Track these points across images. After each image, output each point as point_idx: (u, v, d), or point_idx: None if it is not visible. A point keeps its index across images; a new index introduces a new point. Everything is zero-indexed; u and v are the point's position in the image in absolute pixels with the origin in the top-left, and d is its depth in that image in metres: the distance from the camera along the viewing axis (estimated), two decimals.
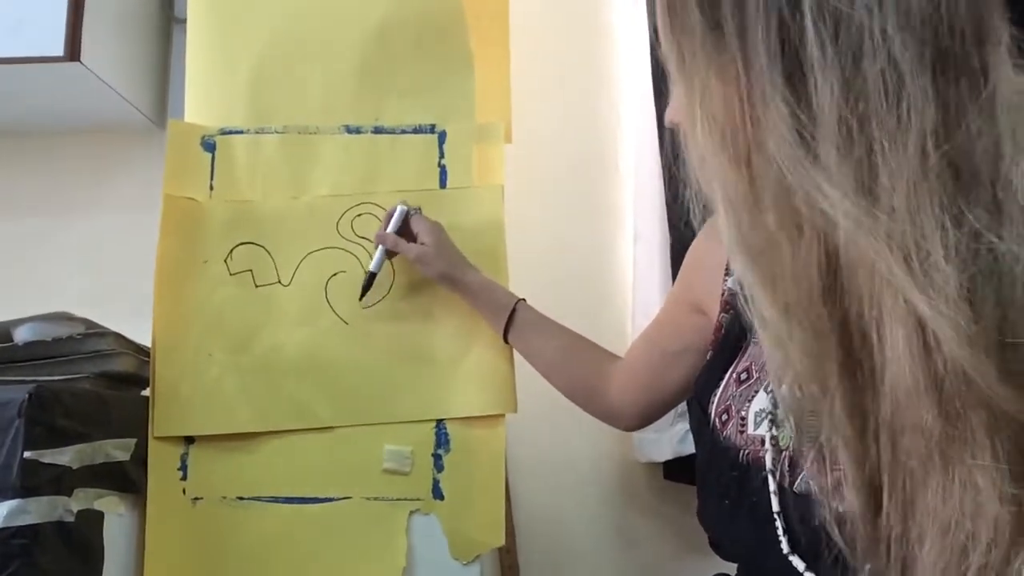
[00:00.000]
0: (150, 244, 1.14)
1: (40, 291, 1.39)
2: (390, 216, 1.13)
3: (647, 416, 1.03)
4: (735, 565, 0.79)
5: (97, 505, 0.96)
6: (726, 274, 0.82)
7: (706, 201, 0.56)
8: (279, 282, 1.17)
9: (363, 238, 1.17)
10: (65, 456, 0.91)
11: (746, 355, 0.77)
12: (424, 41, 1.24)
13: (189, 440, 1.11)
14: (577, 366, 1.06)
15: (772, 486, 0.67)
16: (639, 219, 1.50)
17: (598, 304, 1.56)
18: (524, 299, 1.11)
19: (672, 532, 1.51)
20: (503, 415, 1.14)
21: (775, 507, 0.66)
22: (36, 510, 0.87)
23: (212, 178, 1.20)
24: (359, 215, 1.19)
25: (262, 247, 1.18)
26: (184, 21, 1.28)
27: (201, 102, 1.24)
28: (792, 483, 0.66)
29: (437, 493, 1.11)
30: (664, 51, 0.57)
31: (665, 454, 1.41)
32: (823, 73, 0.48)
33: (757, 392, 0.72)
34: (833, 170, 0.48)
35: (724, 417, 0.74)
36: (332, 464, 1.11)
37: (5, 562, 0.84)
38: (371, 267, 1.14)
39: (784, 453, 0.67)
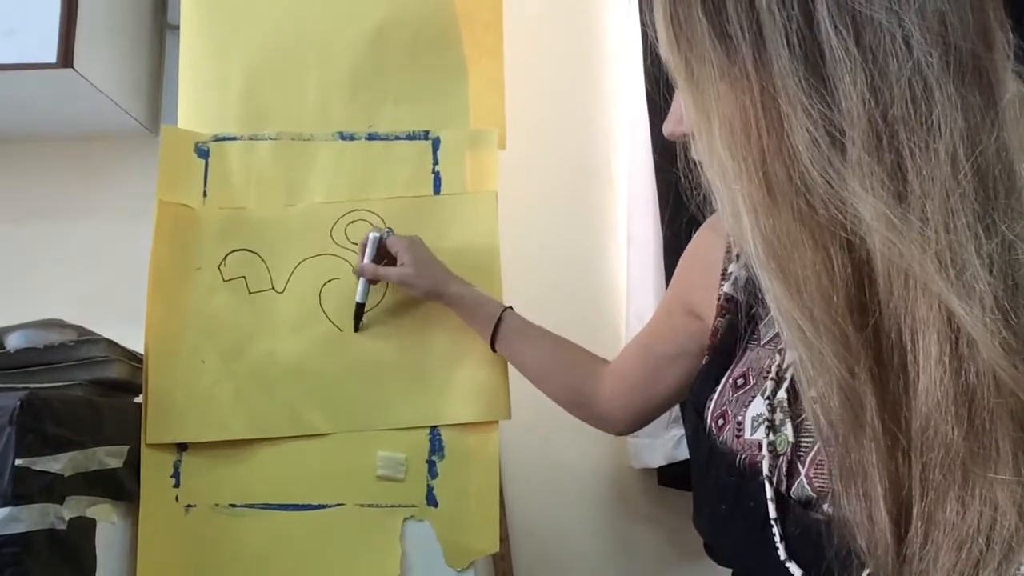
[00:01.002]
0: (143, 250, 1.13)
1: (32, 297, 1.39)
2: (364, 245, 1.13)
3: (638, 421, 1.03)
4: (730, 570, 0.79)
5: (89, 513, 0.96)
6: (723, 278, 0.82)
7: (718, 206, 0.55)
8: (273, 289, 1.17)
9: (357, 245, 1.17)
10: (57, 464, 0.90)
11: (743, 360, 0.77)
12: (418, 48, 1.24)
13: (182, 447, 1.11)
14: (566, 371, 1.06)
15: (769, 492, 0.67)
16: (633, 223, 1.50)
17: (592, 308, 1.56)
18: (511, 307, 1.11)
19: (667, 538, 1.51)
20: (496, 422, 1.14)
21: (772, 513, 0.66)
22: (28, 518, 0.86)
23: (206, 184, 1.19)
24: (353, 222, 1.19)
25: (256, 254, 1.18)
26: (177, 27, 1.28)
27: (194, 108, 1.24)
28: (789, 488, 0.66)
29: (431, 500, 1.11)
30: (671, 62, 0.56)
31: (659, 460, 1.41)
32: (850, 75, 0.48)
33: (754, 397, 0.72)
34: (866, 171, 0.48)
35: (720, 422, 0.74)
36: (326, 471, 1.11)
37: None
38: (357, 298, 1.13)
39: (781, 458, 0.67)
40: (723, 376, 0.77)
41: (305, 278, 1.16)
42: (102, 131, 1.57)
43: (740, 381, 0.75)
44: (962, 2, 0.49)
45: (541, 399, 1.10)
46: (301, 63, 1.23)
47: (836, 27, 0.48)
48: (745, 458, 0.70)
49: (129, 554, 1.06)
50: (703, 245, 0.88)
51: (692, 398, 0.80)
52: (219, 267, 1.16)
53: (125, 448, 1.04)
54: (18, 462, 0.86)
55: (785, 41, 0.49)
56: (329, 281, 1.17)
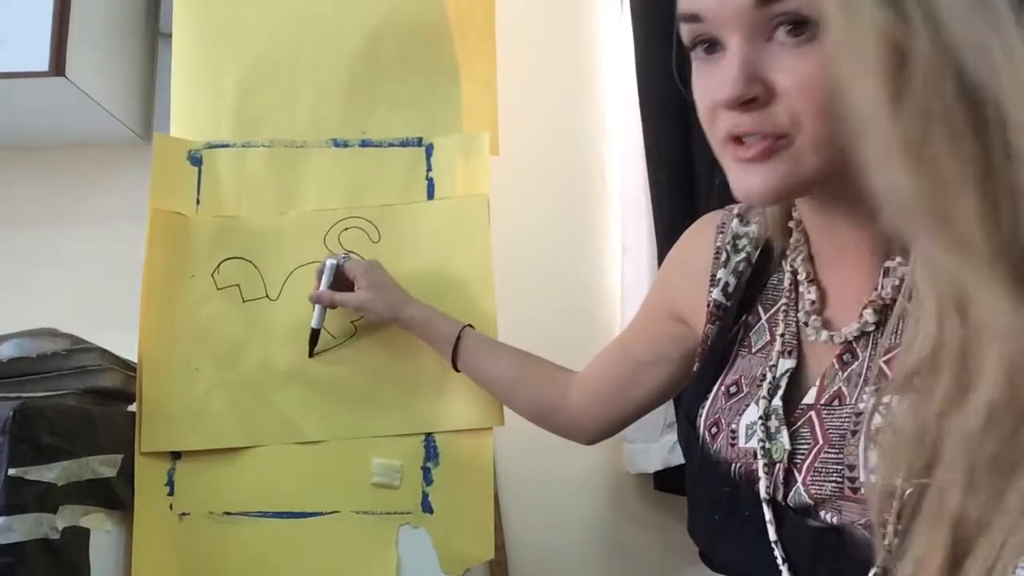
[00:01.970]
0: (136, 259, 1.13)
1: (25, 306, 1.38)
2: (321, 272, 1.12)
3: (609, 428, 1.01)
4: None
5: (83, 522, 0.95)
6: (711, 284, 0.82)
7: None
8: (266, 297, 1.17)
9: (351, 252, 1.17)
10: (50, 473, 0.90)
11: (734, 368, 0.77)
12: (411, 54, 1.24)
13: (176, 456, 1.10)
14: (530, 383, 1.05)
15: (765, 500, 0.67)
16: (626, 231, 1.50)
17: (586, 317, 1.56)
18: (470, 325, 1.09)
19: (663, 543, 1.51)
20: (491, 428, 1.14)
21: (769, 521, 0.66)
22: (21, 528, 0.86)
23: (199, 192, 1.19)
24: (346, 229, 1.19)
25: (249, 262, 1.18)
26: (169, 35, 1.28)
27: (187, 116, 1.23)
28: (786, 496, 0.66)
29: (426, 506, 1.10)
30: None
31: (655, 464, 1.41)
32: None
33: (748, 405, 0.72)
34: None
35: (714, 430, 0.74)
36: (320, 478, 1.11)
37: None
38: (313, 324, 1.13)
39: (777, 466, 0.67)
40: (715, 384, 0.77)
41: (299, 286, 1.16)
42: (94, 139, 1.57)
43: (733, 389, 0.75)
44: None
45: None
46: (294, 70, 1.23)
47: None
48: (740, 467, 0.70)
49: (123, 563, 1.05)
50: (689, 251, 0.88)
51: (685, 407, 0.80)
52: (212, 275, 1.16)
53: (119, 457, 1.03)
54: (11, 471, 0.86)
55: None
56: None
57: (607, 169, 1.60)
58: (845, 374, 0.66)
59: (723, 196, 0.69)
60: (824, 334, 0.69)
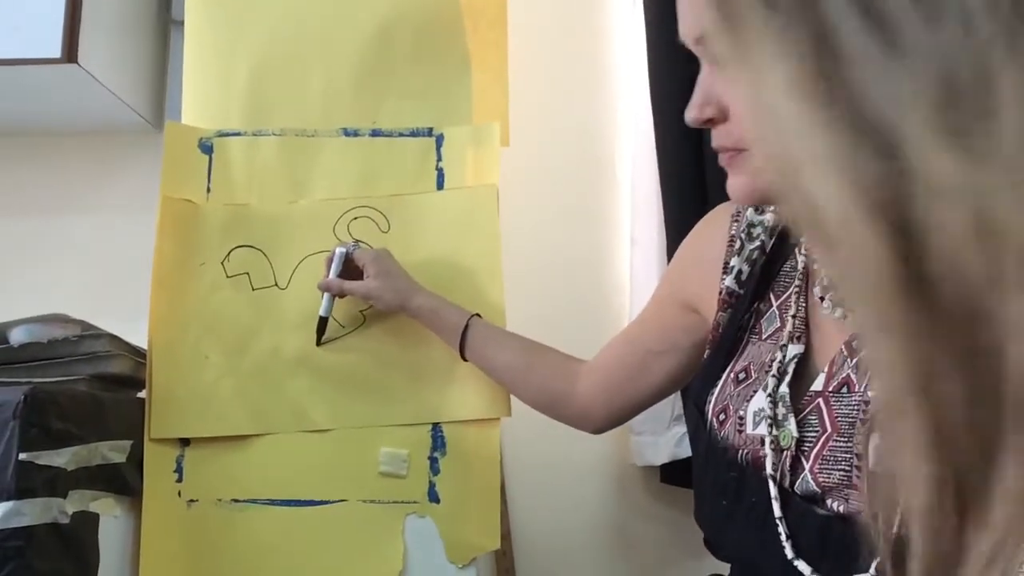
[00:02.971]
0: (147, 246, 1.13)
1: (36, 292, 1.39)
2: (330, 261, 1.12)
3: (617, 418, 1.01)
4: (729, 565, 0.79)
5: (92, 507, 0.96)
6: (724, 272, 0.82)
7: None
8: (276, 285, 1.17)
9: (361, 241, 1.17)
10: (60, 458, 0.91)
11: (744, 354, 0.77)
12: (422, 44, 1.24)
13: (185, 442, 1.11)
14: (538, 372, 1.05)
15: (772, 487, 0.67)
16: (636, 224, 1.50)
17: (595, 309, 1.56)
18: (478, 314, 1.09)
19: (669, 535, 1.51)
20: (498, 419, 1.14)
21: (776, 508, 0.66)
22: (31, 512, 0.87)
23: (209, 180, 1.19)
24: (356, 218, 1.19)
25: (259, 250, 1.18)
26: (182, 23, 1.28)
27: (198, 104, 1.24)
28: (793, 484, 0.66)
29: (433, 496, 1.11)
30: (718, 39, 0.55)
31: (662, 457, 1.41)
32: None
33: (756, 392, 0.72)
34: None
35: (722, 416, 0.74)
36: (328, 467, 1.11)
37: (0, 564, 0.84)
38: (321, 312, 1.13)
39: (785, 453, 0.67)
40: (725, 370, 0.78)
41: (308, 275, 1.16)
42: (106, 126, 1.57)
43: (742, 375, 0.75)
44: None
45: None
46: (305, 59, 1.23)
47: None
48: (747, 453, 0.70)
49: (132, 548, 1.06)
50: (703, 239, 0.88)
51: (693, 394, 0.81)
52: (222, 263, 1.17)
53: (128, 443, 1.04)
54: (22, 456, 0.86)
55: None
56: None
57: (617, 161, 1.60)
58: (853, 361, 0.66)
59: None
60: (839, 311, 0.69)
